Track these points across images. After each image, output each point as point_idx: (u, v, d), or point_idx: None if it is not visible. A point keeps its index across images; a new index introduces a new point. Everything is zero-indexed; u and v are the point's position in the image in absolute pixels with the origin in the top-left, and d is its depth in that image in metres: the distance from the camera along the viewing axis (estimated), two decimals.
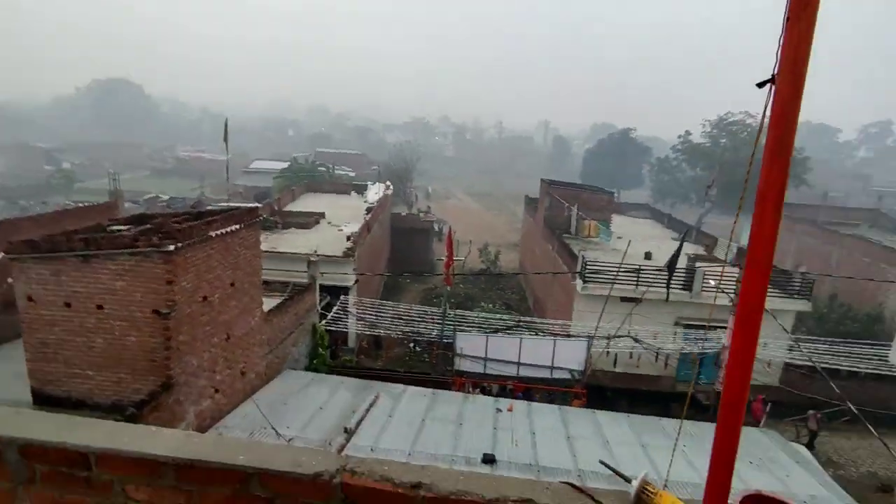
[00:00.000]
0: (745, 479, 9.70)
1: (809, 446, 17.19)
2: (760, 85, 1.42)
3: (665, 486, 8.92)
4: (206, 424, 9.48)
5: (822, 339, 20.29)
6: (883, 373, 16.98)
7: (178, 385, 8.63)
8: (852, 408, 12.56)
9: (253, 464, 1.52)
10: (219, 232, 9.40)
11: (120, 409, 8.11)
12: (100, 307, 8.39)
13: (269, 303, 13.27)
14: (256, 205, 29.46)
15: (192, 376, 9.00)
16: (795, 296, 19.54)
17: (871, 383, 18.45)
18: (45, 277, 8.33)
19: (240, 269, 10.32)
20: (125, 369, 8.51)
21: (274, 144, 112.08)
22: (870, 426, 15.64)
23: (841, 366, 17.63)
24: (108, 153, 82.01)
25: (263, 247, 20.35)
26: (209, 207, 32.10)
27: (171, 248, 8.12)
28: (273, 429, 9.15)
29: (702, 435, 11.65)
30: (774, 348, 18.21)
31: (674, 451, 7.68)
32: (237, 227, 10.01)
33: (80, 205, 22.31)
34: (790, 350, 18.43)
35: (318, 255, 16.45)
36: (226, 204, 30.10)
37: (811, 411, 16.99)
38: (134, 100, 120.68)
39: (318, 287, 15.88)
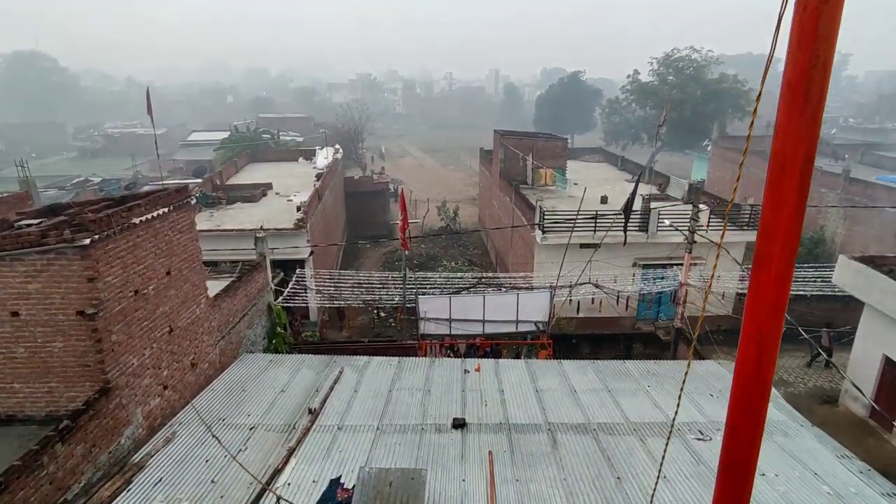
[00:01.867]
0: (707, 413, 10.01)
1: (827, 363, 18.12)
2: None
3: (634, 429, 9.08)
4: (157, 424, 8.92)
5: None
6: (826, 294, 17.87)
7: (119, 388, 7.98)
8: (801, 330, 13.09)
9: None
10: (144, 218, 8.52)
11: (56, 421, 7.45)
12: (15, 314, 7.53)
13: (218, 286, 12.51)
14: (189, 182, 27.72)
15: (134, 376, 8.34)
16: (745, 227, 20.10)
17: (817, 304, 19.47)
18: None
19: (175, 256, 9.51)
20: (55, 378, 7.78)
21: (212, 113, 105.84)
22: (813, 343, 16.65)
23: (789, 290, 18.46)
24: (27, 135, 75.51)
25: (208, 225, 19.27)
26: (146, 187, 30.06)
27: (87, 241, 7.27)
28: (214, 438, 8.70)
29: (664, 374, 11.95)
30: (727, 280, 18.83)
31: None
32: (165, 210, 9.13)
33: None
34: (742, 280, 19.11)
35: (264, 230, 15.56)
36: (161, 183, 28.25)
37: (824, 329, 17.95)
38: (49, 74, 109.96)
39: (269, 263, 15.12)
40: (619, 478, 7.98)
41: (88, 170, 53.90)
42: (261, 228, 15.94)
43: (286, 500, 7.09)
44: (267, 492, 7.47)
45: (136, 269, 8.37)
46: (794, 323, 12.42)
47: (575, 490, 7.68)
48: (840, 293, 16.87)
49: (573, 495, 7.57)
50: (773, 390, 12.01)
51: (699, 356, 15.16)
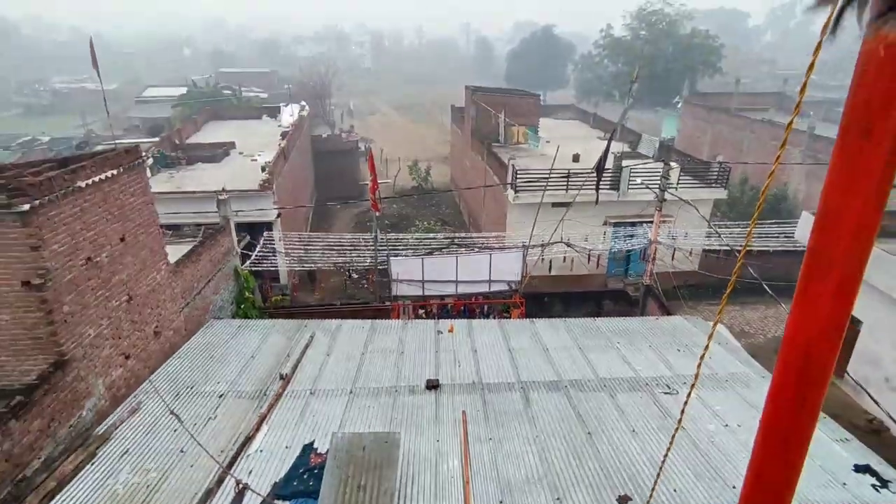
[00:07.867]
0: (673, 367, 10.29)
1: None
2: None
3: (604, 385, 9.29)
4: (121, 394, 8.63)
5: (736, 223, 21.66)
6: (789, 249, 18.44)
7: (76, 360, 7.62)
8: (764, 285, 13.49)
9: None
10: (91, 181, 7.94)
11: (10, 396, 7.09)
12: None
13: (181, 250, 12.00)
14: (143, 141, 26.27)
15: (92, 347, 7.98)
16: (714, 185, 20.36)
17: (779, 258, 20.12)
18: None
19: (129, 221, 8.98)
20: (5, 352, 7.36)
21: (169, 67, 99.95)
22: (775, 296, 17.29)
23: (752, 246, 18.98)
24: None
25: (167, 187, 18.40)
26: (100, 146, 28.45)
27: (27, 207, 6.73)
28: (175, 414, 8.49)
29: (633, 330, 12.20)
30: (695, 237, 19.20)
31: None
32: (115, 172, 8.52)
33: None
34: (708, 237, 19.51)
35: (227, 192, 14.90)
36: (115, 142, 26.70)
37: None
38: None
39: (233, 226, 14.56)
40: (589, 433, 8.18)
41: (36, 128, 50.53)
42: (223, 190, 15.25)
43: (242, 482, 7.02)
44: (238, 459, 7.38)
45: (86, 236, 7.86)
46: (758, 278, 12.80)
47: (547, 446, 7.84)
48: (801, 248, 17.41)
49: (546, 451, 7.73)
50: (738, 345, 12.46)
51: (666, 312, 15.55)
